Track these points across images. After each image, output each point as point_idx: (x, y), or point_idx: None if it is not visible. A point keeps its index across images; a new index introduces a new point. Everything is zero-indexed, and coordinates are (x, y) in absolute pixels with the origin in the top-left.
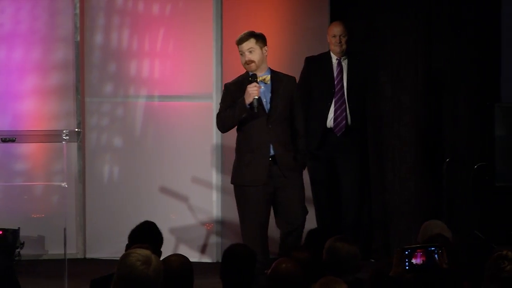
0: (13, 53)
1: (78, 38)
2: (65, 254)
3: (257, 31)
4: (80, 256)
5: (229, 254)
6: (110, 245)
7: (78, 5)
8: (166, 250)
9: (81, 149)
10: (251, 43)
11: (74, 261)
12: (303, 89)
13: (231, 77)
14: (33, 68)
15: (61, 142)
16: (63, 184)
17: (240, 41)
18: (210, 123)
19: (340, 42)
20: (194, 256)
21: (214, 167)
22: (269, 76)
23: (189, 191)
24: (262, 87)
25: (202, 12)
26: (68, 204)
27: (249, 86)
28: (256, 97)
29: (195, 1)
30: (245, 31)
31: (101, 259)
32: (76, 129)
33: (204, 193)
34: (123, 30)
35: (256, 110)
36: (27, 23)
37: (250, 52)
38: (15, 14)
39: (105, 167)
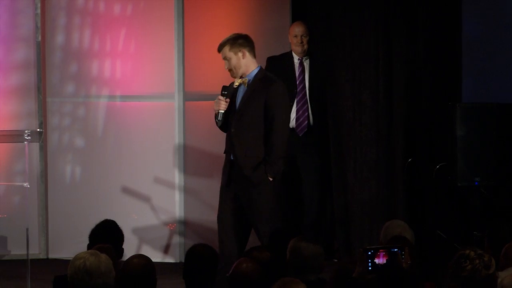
0: None
1: (39, 38)
2: (27, 254)
3: (219, 30)
4: (42, 256)
5: (191, 254)
6: (73, 245)
7: (39, 5)
8: (129, 251)
9: (43, 149)
10: (224, 52)
11: (36, 262)
12: None
13: (193, 77)
14: None
15: (22, 142)
16: (25, 184)
17: (218, 50)
18: (172, 123)
19: (302, 42)
20: (157, 257)
21: (177, 167)
22: (246, 79)
23: (152, 191)
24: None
25: (163, 11)
26: (30, 204)
27: (218, 97)
28: (221, 111)
29: (156, 1)
30: (225, 38)
31: (64, 259)
32: (38, 129)
33: (166, 193)
34: (84, 30)
35: (217, 120)
36: None
37: (227, 60)
38: None
39: (67, 167)
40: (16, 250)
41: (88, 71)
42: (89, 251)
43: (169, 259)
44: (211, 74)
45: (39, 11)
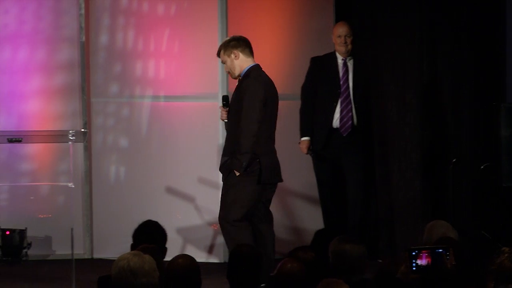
0: (17, 54)
1: (84, 39)
2: (72, 254)
3: (262, 30)
4: (87, 256)
5: (235, 254)
6: (117, 245)
7: (83, 5)
8: (173, 251)
9: (87, 149)
10: (221, 56)
11: (81, 261)
12: (308, 90)
13: None
14: (38, 69)
15: (67, 142)
16: (69, 184)
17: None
18: (216, 123)
19: (345, 42)
20: (201, 257)
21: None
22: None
23: (195, 191)
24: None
25: (207, 11)
26: (74, 204)
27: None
28: (224, 120)
29: (200, 1)
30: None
31: (108, 259)
32: (82, 130)
33: (210, 193)
34: (128, 30)
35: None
36: (31, 23)
37: (224, 63)
38: (20, 14)
39: (111, 167)
40: (61, 250)
41: (132, 71)
42: (133, 251)
43: (213, 259)
44: None
45: (83, 11)
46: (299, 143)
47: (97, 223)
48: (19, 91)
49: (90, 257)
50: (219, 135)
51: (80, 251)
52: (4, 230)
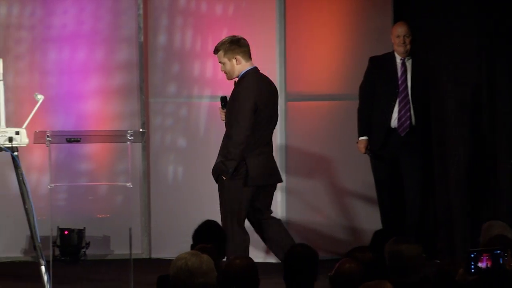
0: (76, 54)
1: (142, 39)
2: (130, 254)
3: (320, 30)
4: (145, 256)
5: (290, 254)
6: (175, 245)
7: (141, 5)
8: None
9: (146, 149)
10: (219, 56)
11: (139, 261)
12: (366, 89)
13: (294, 78)
14: (97, 69)
15: (125, 142)
16: (128, 184)
17: (213, 52)
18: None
19: (404, 42)
20: (259, 257)
21: (278, 167)
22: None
23: None
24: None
25: (265, 11)
26: (133, 204)
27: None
28: (224, 120)
29: (258, 2)
30: (220, 41)
31: (167, 259)
32: (141, 130)
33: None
34: (186, 30)
35: None
36: (90, 24)
37: (222, 64)
38: (78, 15)
39: (169, 167)
40: (119, 250)
41: (190, 71)
42: (190, 251)
43: (270, 259)
44: (313, 75)
45: (141, 11)
46: (357, 142)
47: (155, 223)
48: (77, 91)
49: (148, 257)
50: (277, 135)
51: (138, 251)
52: (62, 230)
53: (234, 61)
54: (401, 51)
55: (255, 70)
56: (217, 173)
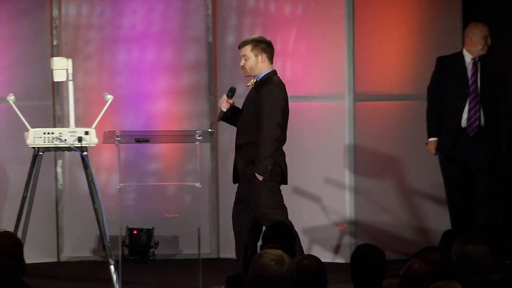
0: (145, 54)
1: (211, 39)
2: (199, 254)
3: (389, 30)
4: (213, 256)
5: (357, 255)
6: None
7: (210, 5)
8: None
9: (214, 149)
10: (245, 50)
11: (207, 261)
12: (435, 90)
13: (363, 78)
14: (166, 69)
15: (194, 142)
16: (196, 184)
17: (239, 46)
18: (343, 124)
19: (487, 43)
20: (327, 257)
21: (347, 167)
22: (254, 81)
23: (322, 191)
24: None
25: (334, 12)
26: (201, 204)
27: (223, 96)
28: (224, 109)
29: (326, 2)
30: (251, 36)
31: (235, 259)
32: (209, 130)
33: (337, 193)
34: (254, 30)
35: (219, 120)
36: (159, 24)
37: (245, 59)
38: (147, 15)
39: None
40: (187, 250)
41: None
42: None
43: (339, 260)
44: (381, 75)
45: (210, 11)
46: (427, 144)
47: (224, 222)
48: (146, 92)
49: (216, 256)
50: (346, 135)
51: (207, 251)
52: (131, 230)
53: (259, 58)
54: (479, 51)
55: (276, 72)
56: (251, 175)
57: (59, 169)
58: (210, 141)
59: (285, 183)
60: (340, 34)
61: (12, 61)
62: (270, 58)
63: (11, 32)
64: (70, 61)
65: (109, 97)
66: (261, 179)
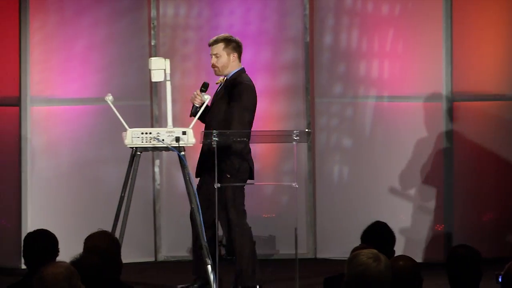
0: (243, 54)
1: (308, 39)
2: (296, 254)
3: (487, 31)
4: (310, 256)
5: (452, 256)
6: (341, 245)
7: (307, 6)
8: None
9: (311, 150)
10: (217, 48)
11: (304, 261)
12: None
13: (460, 77)
14: (263, 69)
15: (291, 142)
16: (293, 184)
17: (209, 44)
18: (440, 124)
19: None
20: (423, 257)
21: (444, 167)
22: (224, 79)
23: (419, 191)
24: (207, 96)
25: (432, 11)
26: (298, 204)
27: (196, 91)
28: (197, 105)
29: (424, 1)
30: (221, 35)
31: (332, 259)
32: (306, 130)
33: (433, 193)
34: (352, 30)
35: (193, 115)
36: (256, 24)
37: (216, 57)
38: (245, 15)
39: (335, 167)
40: (284, 250)
41: (355, 71)
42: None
43: (435, 260)
44: (479, 75)
45: (307, 12)
46: None
47: (321, 223)
48: None
49: (313, 257)
50: (443, 135)
51: (304, 251)
52: None
53: (231, 56)
54: None
55: (245, 70)
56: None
57: (156, 169)
58: (307, 141)
59: (252, 178)
60: (438, 34)
61: (111, 61)
62: (240, 57)
63: (110, 32)
64: (168, 61)
65: (207, 97)
66: (228, 176)
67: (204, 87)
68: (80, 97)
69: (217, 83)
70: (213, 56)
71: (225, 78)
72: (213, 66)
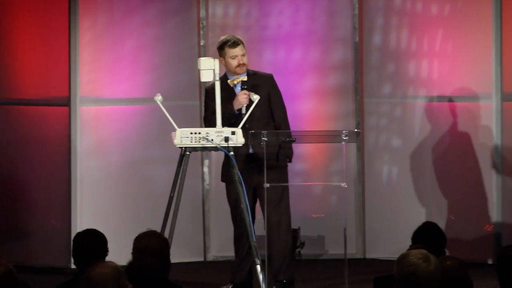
0: (291, 54)
1: (357, 39)
2: (345, 254)
3: None
4: (359, 256)
5: (503, 257)
6: (390, 246)
7: (357, 5)
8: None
9: (360, 150)
10: (244, 48)
11: (353, 261)
12: None
13: (510, 77)
14: (312, 69)
15: (340, 142)
16: (342, 184)
17: (234, 45)
18: (490, 124)
19: None
20: (473, 258)
21: (495, 168)
22: (241, 77)
23: (469, 193)
24: (256, 96)
25: (481, 11)
26: (347, 204)
27: (239, 94)
28: (245, 104)
29: (474, 1)
30: (236, 35)
31: (381, 259)
32: (355, 130)
33: (484, 194)
34: (401, 30)
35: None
36: (305, 24)
37: (244, 56)
38: (294, 15)
39: (384, 168)
40: (333, 250)
41: (405, 71)
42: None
43: (485, 261)
44: None
45: (356, 12)
46: None
47: (370, 223)
48: (293, 91)
49: (362, 257)
50: (493, 135)
51: (353, 251)
52: None
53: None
54: None
55: None
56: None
57: (205, 169)
58: (356, 141)
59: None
60: (487, 34)
61: (160, 61)
62: None
63: (159, 32)
64: (217, 61)
65: (256, 97)
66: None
67: (245, 85)
68: (129, 97)
69: (236, 82)
70: (242, 56)
71: (246, 75)
72: (243, 65)
